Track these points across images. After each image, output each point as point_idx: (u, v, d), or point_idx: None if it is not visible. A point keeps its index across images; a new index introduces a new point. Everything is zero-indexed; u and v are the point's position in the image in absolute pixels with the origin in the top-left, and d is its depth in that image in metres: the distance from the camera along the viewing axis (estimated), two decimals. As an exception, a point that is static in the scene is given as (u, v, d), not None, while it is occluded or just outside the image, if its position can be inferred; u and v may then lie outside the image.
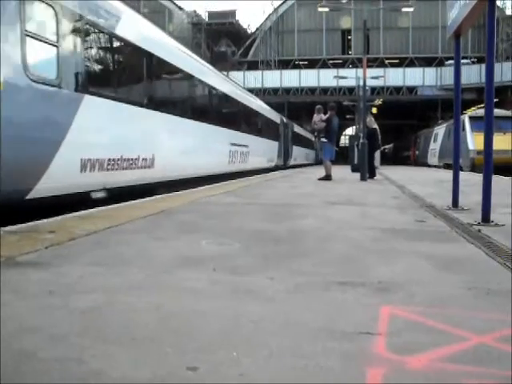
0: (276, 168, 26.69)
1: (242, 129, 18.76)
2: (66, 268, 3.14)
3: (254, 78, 46.03)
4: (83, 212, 5.99)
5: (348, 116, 49.05)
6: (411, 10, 27.83)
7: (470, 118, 23.83)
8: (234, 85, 19.74)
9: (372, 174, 15.82)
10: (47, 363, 1.74)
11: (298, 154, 37.77)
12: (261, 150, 22.64)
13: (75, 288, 2.69)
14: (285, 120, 31.90)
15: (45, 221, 5.18)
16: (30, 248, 3.67)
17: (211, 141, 14.11)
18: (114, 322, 2.18)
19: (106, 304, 2.42)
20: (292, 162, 33.45)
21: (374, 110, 35.46)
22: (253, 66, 49.93)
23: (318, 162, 47.92)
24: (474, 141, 22.59)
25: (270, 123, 26.86)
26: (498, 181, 10.26)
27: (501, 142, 19.23)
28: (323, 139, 14.80)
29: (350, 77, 38.13)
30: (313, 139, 43.12)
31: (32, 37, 5.87)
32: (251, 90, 31.37)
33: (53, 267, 3.14)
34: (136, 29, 9.19)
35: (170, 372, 1.68)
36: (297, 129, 38.48)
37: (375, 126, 16.89)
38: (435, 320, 2.21)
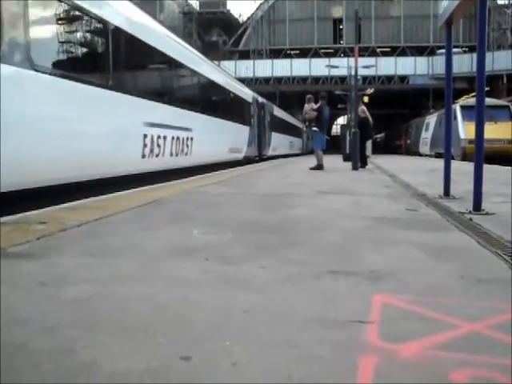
0: (248, 161, 21.18)
1: (178, 103, 12.13)
2: (57, 259, 3.12)
3: (246, 68, 45.91)
4: (74, 203, 5.96)
5: (340, 105, 49.04)
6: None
7: (462, 107, 23.89)
8: (161, 32, 11.82)
9: (364, 164, 15.85)
10: (39, 355, 1.73)
11: (280, 142, 32.49)
12: (217, 137, 16.05)
13: (66, 279, 2.67)
14: (260, 100, 25.93)
15: (36, 212, 5.15)
16: (20, 239, 3.65)
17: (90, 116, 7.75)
18: (105, 312, 2.18)
19: (98, 295, 2.41)
20: (271, 153, 28.24)
21: (366, 100, 35.44)
22: (244, 55, 49.84)
23: (307, 151, 47.15)
24: (465, 130, 22.67)
25: (237, 101, 20.21)
26: (489, 170, 10.29)
27: (492, 131, 19.33)
28: (314, 128, 14.80)
29: (341, 66, 38.11)
30: (300, 126, 41.76)
31: None
32: (242, 80, 31.00)
33: (44, 258, 3.12)
34: None
35: (162, 362, 1.68)
36: (278, 112, 33.45)
37: (366, 115, 16.88)
38: (427, 308, 2.22)
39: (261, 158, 24.76)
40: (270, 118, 28.82)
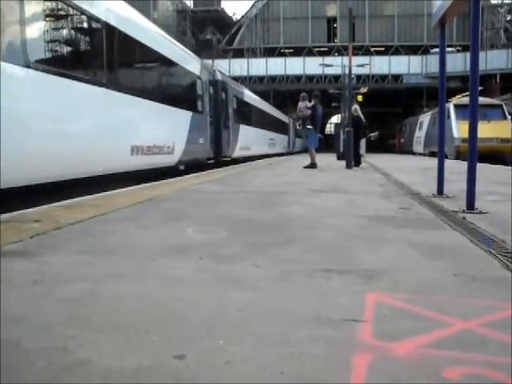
0: (191, 166, 13.86)
1: None
2: (51, 257, 3.11)
3: (240, 66, 45.86)
4: (69, 201, 5.94)
5: (334, 104, 49.08)
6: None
7: (455, 106, 23.96)
8: None
9: (357, 162, 15.88)
10: (33, 353, 1.73)
11: (254, 139, 25.10)
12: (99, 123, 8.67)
13: (61, 277, 2.67)
14: (220, 77, 18.11)
15: (30, 210, 5.14)
16: (14, 237, 3.64)
17: None
18: (99, 311, 2.17)
19: (92, 293, 2.40)
20: (238, 153, 20.82)
21: (360, 98, 35.46)
22: (238, 53, 49.78)
23: (295, 151, 43.98)
24: (458, 129, 22.73)
25: (163, 68, 12.40)
26: (482, 169, 10.33)
27: (485, 130, 19.42)
28: (309, 127, 14.84)
29: (335, 65, 38.12)
30: (286, 121, 39.42)
31: None
32: (237, 79, 30.87)
33: (38, 256, 3.12)
34: None
35: (156, 360, 1.68)
36: (252, 99, 25.89)
37: (357, 113, 16.90)
38: (421, 306, 2.23)
39: (219, 160, 17.27)
40: (238, 106, 21.16)
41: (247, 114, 24.09)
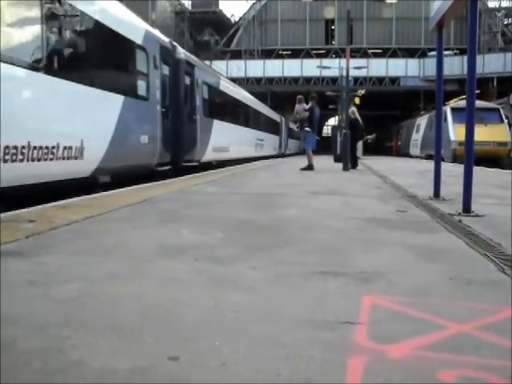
0: (129, 176, 9.79)
1: None
2: (46, 257, 3.11)
3: (237, 68, 45.87)
4: (64, 201, 5.93)
5: (331, 106, 49.09)
6: (395, 0, 27.88)
7: (452, 109, 24.00)
8: None
9: (354, 165, 15.90)
10: (27, 354, 1.72)
11: (234, 138, 20.34)
12: None
13: (55, 278, 2.66)
14: (181, 55, 13.45)
15: (25, 210, 5.13)
16: (9, 237, 3.63)
17: None
18: (94, 311, 2.17)
19: (87, 294, 2.40)
20: (211, 156, 16.30)
21: (357, 101, 35.45)
22: (236, 55, 49.76)
23: (288, 153, 40.96)
24: (455, 132, 22.77)
25: (62, 23, 7.56)
26: (478, 172, 10.35)
27: (482, 133, 19.46)
28: (307, 129, 14.87)
29: (333, 67, 38.09)
30: (277, 119, 36.86)
31: None
32: (234, 80, 30.73)
33: (33, 257, 3.11)
34: None
35: (150, 361, 1.67)
36: (228, 89, 20.34)
37: (355, 116, 16.93)
38: (416, 309, 2.22)
39: (179, 166, 12.77)
40: (212, 96, 16.72)
41: (225, 108, 19.55)
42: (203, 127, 15.05)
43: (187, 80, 13.76)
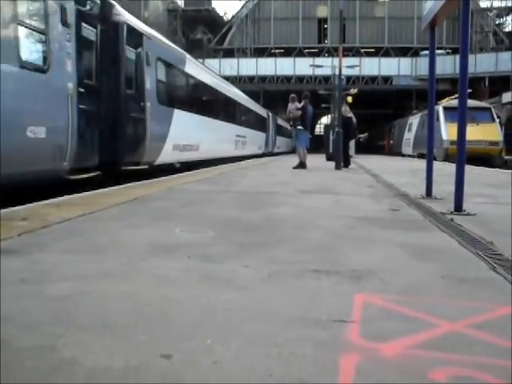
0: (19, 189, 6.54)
1: None
2: (38, 255, 3.09)
3: (230, 66, 45.83)
4: (57, 199, 5.91)
5: (323, 105, 49.14)
6: (387, -1, 27.96)
7: (444, 108, 24.08)
8: None
9: (347, 163, 15.91)
10: (20, 352, 1.72)
11: (204, 134, 16.44)
12: None
13: (48, 276, 2.65)
14: (123, 17, 9.78)
15: (18, 208, 5.10)
16: (2, 235, 3.61)
17: None
18: (87, 309, 2.16)
19: (79, 292, 2.39)
20: (170, 157, 12.80)
21: (350, 100, 35.48)
22: (228, 53, 49.73)
23: (276, 151, 38.89)
24: (447, 131, 22.86)
25: None
26: (470, 171, 10.39)
27: (474, 132, 19.55)
28: (300, 127, 14.88)
29: (325, 66, 38.14)
30: (263, 114, 34.93)
31: None
32: (227, 78, 30.58)
33: (25, 254, 3.09)
34: None
35: (143, 360, 1.67)
36: (197, 72, 16.51)
37: (350, 115, 16.98)
38: (409, 308, 2.23)
39: (118, 171, 9.62)
40: (170, 77, 13.18)
41: (193, 95, 15.67)
42: (157, 118, 11.54)
43: (131, 54, 10.29)
